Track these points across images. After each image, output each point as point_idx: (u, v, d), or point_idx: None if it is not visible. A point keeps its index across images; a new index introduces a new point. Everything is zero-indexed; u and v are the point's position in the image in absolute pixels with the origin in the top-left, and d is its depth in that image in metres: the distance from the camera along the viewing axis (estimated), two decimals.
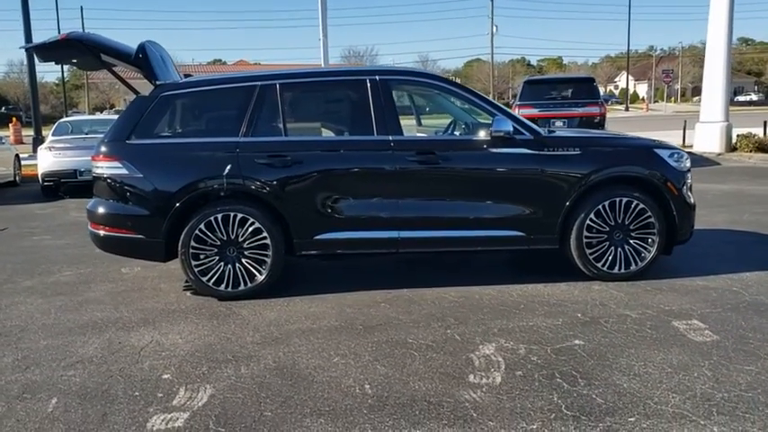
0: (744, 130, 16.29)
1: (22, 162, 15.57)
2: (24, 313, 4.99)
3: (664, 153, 5.37)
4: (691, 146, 16.61)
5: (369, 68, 6.11)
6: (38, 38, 21.55)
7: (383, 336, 4.22)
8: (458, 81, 6.07)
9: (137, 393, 3.48)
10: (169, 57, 5.82)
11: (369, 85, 5.21)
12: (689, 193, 5.40)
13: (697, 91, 71.22)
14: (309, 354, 3.96)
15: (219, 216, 5.00)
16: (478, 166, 5.22)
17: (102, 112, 45.21)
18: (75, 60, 5.81)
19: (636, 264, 5.26)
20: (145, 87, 5.42)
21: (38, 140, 19.60)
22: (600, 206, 5.19)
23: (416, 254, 5.94)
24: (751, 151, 15.43)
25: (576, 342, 4.00)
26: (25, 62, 25.14)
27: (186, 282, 5.37)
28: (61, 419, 3.21)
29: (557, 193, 5.17)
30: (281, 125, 5.21)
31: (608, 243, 5.25)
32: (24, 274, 6.24)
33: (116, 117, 6.31)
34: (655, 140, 5.69)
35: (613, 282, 5.22)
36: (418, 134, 6.17)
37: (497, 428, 2.99)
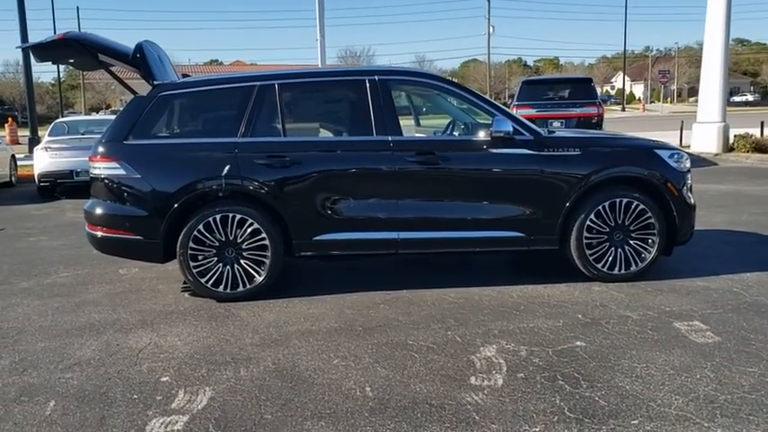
0: (741, 131, 16.32)
1: (18, 162, 15.53)
2: (21, 315, 4.95)
3: (664, 153, 5.36)
4: (688, 146, 16.64)
5: (368, 68, 6.09)
6: (34, 38, 21.53)
7: (383, 337, 4.19)
8: (455, 81, 6.04)
9: (135, 396, 3.45)
10: (167, 56, 5.78)
11: (368, 85, 5.18)
12: (689, 194, 5.39)
13: (693, 91, 71.59)
14: (309, 356, 3.93)
15: (218, 217, 4.97)
16: (478, 166, 5.20)
17: (98, 113, 45.08)
18: (72, 60, 5.78)
19: (636, 264, 5.25)
20: (142, 87, 5.39)
21: (34, 141, 19.51)
22: (600, 207, 5.17)
23: (416, 255, 5.92)
24: (748, 151, 15.46)
25: (578, 343, 3.98)
26: (21, 62, 24.98)
27: (184, 283, 5.33)
28: (59, 423, 3.18)
29: (557, 193, 5.15)
30: (279, 125, 5.18)
31: (608, 244, 5.23)
32: (21, 276, 6.20)
33: (112, 117, 6.27)
34: (655, 141, 5.68)
35: (613, 283, 5.21)
36: (417, 134, 6.15)
37: (500, 431, 2.96)
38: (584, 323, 4.34)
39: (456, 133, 5.95)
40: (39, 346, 4.26)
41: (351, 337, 4.23)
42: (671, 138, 14.71)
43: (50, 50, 5.35)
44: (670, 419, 3.01)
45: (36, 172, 12.36)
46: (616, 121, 34.99)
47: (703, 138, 16.33)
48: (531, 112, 12.54)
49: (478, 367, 3.67)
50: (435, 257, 6.17)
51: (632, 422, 3.00)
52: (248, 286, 5.05)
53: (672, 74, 65.97)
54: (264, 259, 5.02)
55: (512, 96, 16.09)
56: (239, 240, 5.00)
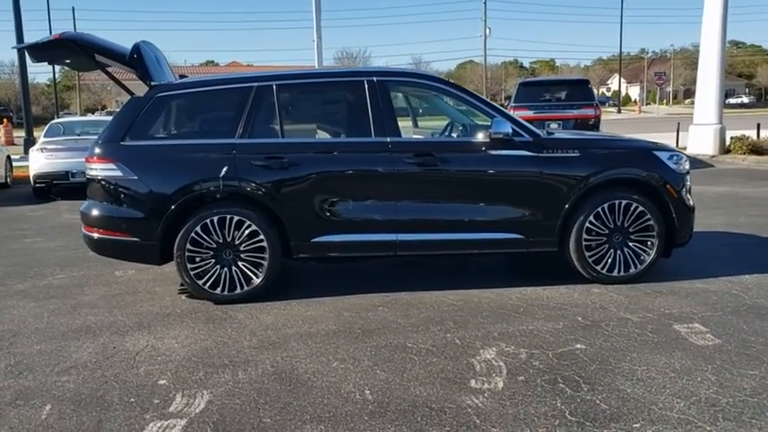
0: (737, 133, 16.34)
1: (14, 164, 15.44)
2: (17, 317, 4.90)
3: (663, 155, 5.35)
4: (684, 148, 16.63)
5: (366, 69, 6.06)
6: (29, 38, 21.39)
7: (382, 340, 4.17)
8: (454, 82, 6.03)
9: (132, 399, 3.41)
10: (164, 57, 5.75)
11: (366, 86, 5.16)
12: (688, 196, 5.38)
13: (689, 93, 71.83)
14: (308, 358, 3.90)
15: (216, 218, 4.94)
16: (477, 168, 5.18)
17: (93, 114, 44.95)
18: (68, 61, 5.74)
19: (635, 266, 5.23)
20: (139, 88, 5.35)
21: (29, 142, 19.46)
22: (599, 208, 5.16)
23: (414, 257, 5.89)
24: (744, 153, 15.47)
25: (578, 346, 3.96)
26: (16, 63, 24.96)
27: (181, 285, 5.30)
28: (55, 427, 3.15)
29: (556, 195, 5.14)
30: (277, 127, 5.15)
31: (607, 246, 5.22)
32: (16, 278, 6.15)
33: (108, 118, 6.24)
34: (654, 142, 5.67)
35: (612, 285, 5.19)
36: (416, 136, 6.12)
37: None
38: (584, 325, 4.32)
39: (454, 135, 5.93)
40: (34, 348, 4.22)
41: (349, 339, 4.20)
42: (667, 140, 14.73)
43: (47, 51, 5.32)
44: (672, 423, 2.99)
45: (31, 173, 12.29)
46: (612, 123, 35.03)
47: (700, 140, 16.34)
48: (529, 113, 12.53)
49: (478, 370, 3.65)
50: (434, 259, 6.15)
51: (634, 426, 2.98)
52: (246, 288, 5.01)
53: (667, 76, 66.17)
54: (262, 261, 4.99)
55: (508, 98, 16.10)
56: (237, 242, 4.97)
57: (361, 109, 5.15)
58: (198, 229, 4.93)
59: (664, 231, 5.23)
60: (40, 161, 12.11)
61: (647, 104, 72.30)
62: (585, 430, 2.95)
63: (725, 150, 16.09)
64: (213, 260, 4.98)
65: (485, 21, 59.66)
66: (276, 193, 5.00)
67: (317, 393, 3.42)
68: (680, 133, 18.57)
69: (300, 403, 3.31)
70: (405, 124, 6.01)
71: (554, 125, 12.54)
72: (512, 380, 3.51)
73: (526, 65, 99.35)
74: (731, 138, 16.14)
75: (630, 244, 5.23)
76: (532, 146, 5.16)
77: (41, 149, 12.30)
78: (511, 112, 6.42)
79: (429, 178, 5.15)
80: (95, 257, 5.78)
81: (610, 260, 5.22)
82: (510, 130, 5.07)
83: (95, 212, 5.12)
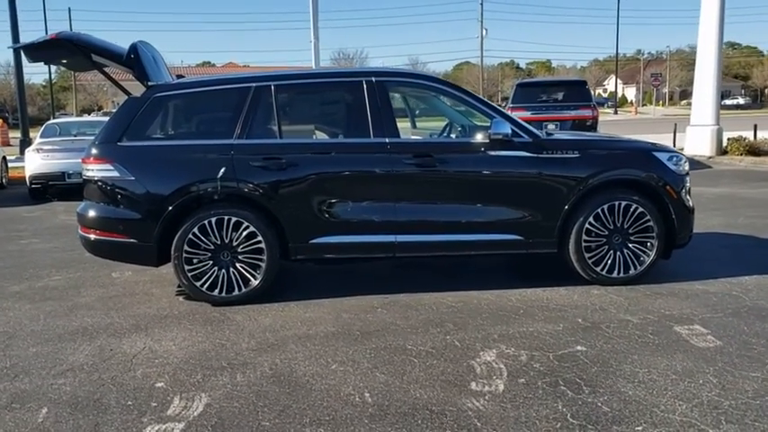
0: (733, 134, 16.36)
1: (10, 164, 15.39)
2: (12, 319, 4.86)
3: (662, 156, 5.33)
4: (681, 149, 16.61)
5: (365, 70, 6.03)
6: (25, 38, 21.35)
7: (381, 342, 4.14)
8: (452, 83, 6.01)
9: (130, 402, 3.38)
10: (161, 57, 5.72)
11: (365, 86, 5.13)
12: (688, 197, 5.36)
13: (685, 94, 72.00)
14: (306, 360, 3.87)
15: (213, 220, 4.91)
16: (476, 168, 5.15)
17: (90, 114, 44.83)
18: (65, 61, 5.69)
19: (635, 268, 5.21)
20: (136, 88, 5.32)
21: (25, 142, 19.39)
22: (599, 209, 5.14)
23: (413, 258, 5.86)
24: (741, 154, 15.49)
25: (579, 348, 3.94)
26: (12, 63, 24.83)
27: (179, 286, 5.26)
28: (52, 430, 3.11)
29: (555, 196, 5.12)
30: (276, 127, 5.12)
31: (607, 247, 5.20)
32: (12, 279, 6.11)
33: (104, 119, 6.20)
34: (653, 143, 5.65)
35: (612, 286, 5.18)
36: (415, 137, 6.10)
37: None
38: (585, 327, 4.30)
39: (453, 135, 5.91)
40: (30, 351, 4.18)
41: (349, 341, 4.17)
42: (664, 141, 14.71)
43: (43, 51, 5.28)
44: (674, 426, 2.97)
45: (27, 174, 12.24)
46: (609, 124, 35.09)
47: (697, 141, 16.36)
48: (526, 114, 12.51)
49: (479, 372, 3.62)
50: (433, 261, 6.12)
51: (636, 429, 2.96)
52: (244, 290, 4.98)
53: (664, 77, 66.22)
54: (260, 263, 4.96)
55: (505, 99, 16.13)
56: (235, 243, 4.93)
57: (360, 109, 5.13)
58: (195, 230, 4.90)
59: (663, 232, 5.22)
60: (36, 162, 12.06)
61: (643, 105, 72.40)
62: None
63: (722, 151, 16.11)
64: (211, 262, 4.95)
65: (481, 22, 59.73)
66: (274, 194, 4.97)
67: (317, 396, 3.39)
68: (677, 134, 18.59)
69: (299, 406, 3.28)
70: (403, 125, 5.98)
71: (551, 126, 12.52)
72: (512, 382, 3.48)
73: (523, 66, 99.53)
74: (728, 139, 16.16)
75: (630, 245, 5.21)
76: (532, 147, 5.13)
77: (37, 150, 12.25)
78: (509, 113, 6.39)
79: (428, 179, 5.12)
80: (92, 259, 5.74)
81: (609, 261, 5.20)
82: (509, 131, 5.05)
83: (92, 213, 5.08)
